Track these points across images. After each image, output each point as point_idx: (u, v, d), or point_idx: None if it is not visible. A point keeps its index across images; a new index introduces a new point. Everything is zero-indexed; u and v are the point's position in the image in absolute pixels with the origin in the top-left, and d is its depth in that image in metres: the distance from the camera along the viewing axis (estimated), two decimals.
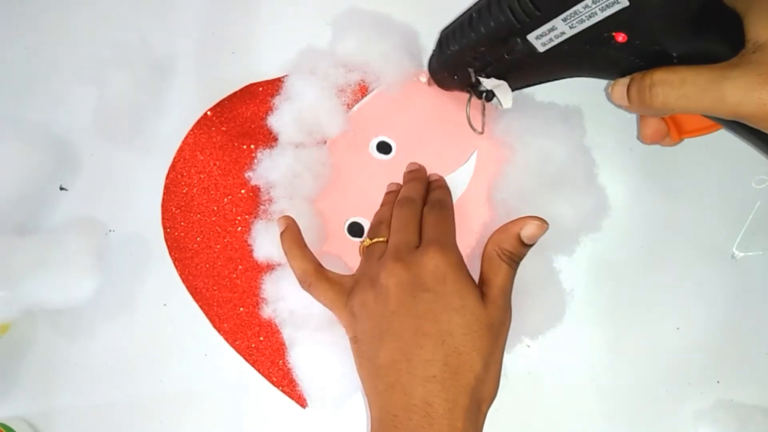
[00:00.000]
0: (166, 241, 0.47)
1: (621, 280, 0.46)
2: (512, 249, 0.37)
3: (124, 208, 0.49)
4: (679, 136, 0.38)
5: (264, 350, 0.46)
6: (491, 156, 0.46)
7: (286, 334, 0.45)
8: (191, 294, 0.47)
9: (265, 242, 0.44)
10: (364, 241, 0.42)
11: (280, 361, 0.45)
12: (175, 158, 0.48)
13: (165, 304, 0.47)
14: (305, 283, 0.40)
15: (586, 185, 0.44)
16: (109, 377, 0.47)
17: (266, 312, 0.44)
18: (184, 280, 0.47)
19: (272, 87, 0.48)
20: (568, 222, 0.43)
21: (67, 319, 0.47)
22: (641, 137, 0.39)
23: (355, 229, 0.46)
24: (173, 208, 0.48)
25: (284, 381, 0.45)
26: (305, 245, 0.42)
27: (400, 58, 0.46)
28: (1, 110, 0.51)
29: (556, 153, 0.43)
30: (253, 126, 0.48)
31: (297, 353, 0.44)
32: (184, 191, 0.48)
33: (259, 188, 0.46)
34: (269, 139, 0.47)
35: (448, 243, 0.39)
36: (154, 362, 0.47)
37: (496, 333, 0.36)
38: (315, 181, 0.45)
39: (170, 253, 0.47)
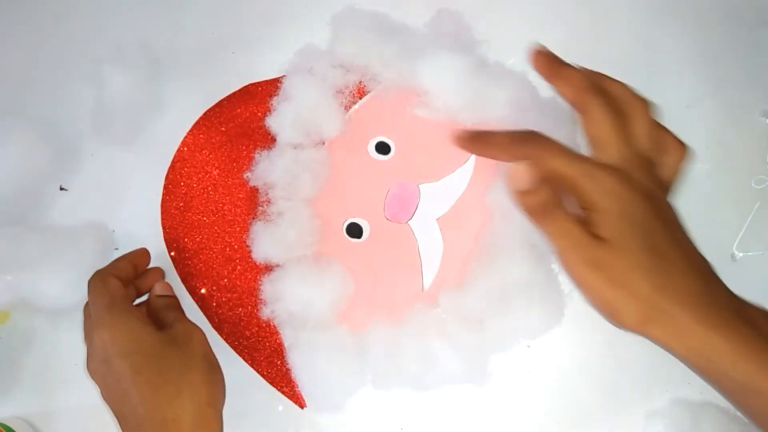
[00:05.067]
0: (165, 241, 0.47)
1: None
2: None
3: (124, 208, 0.49)
4: None
5: (263, 350, 0.46)
6: None
7: (285, 334, 0.45)
8: (190, 294, 0.47)
9: (264, 243, 0.44)
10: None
11: (279, 362, 0.45)
12: (174, 158, 0.48)
13: None
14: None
15: None
16: None
17: (265, 313, 0.44)
18: (183, 280, 0.47)
19: (271, 87, 0.48)
20: None
21: (67, 319, 0.47)
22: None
23: (354, 230, 0.46)
24: (172, 209, 0.48)
25: (283, 381, 0.45)
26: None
27: (399, 58, 0.46)
28: (2, 110, 0.51)
29: None
30: (252, 126, 0.48)
31: (296, 354, 0.44)
32: (184, 191, 0.48)
33: (257, 189, 0.47)
34: (268, 139, 0.47)
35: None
36: None
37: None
38: (313, 182, 0.45)
39: (169, 252, 0.47)
